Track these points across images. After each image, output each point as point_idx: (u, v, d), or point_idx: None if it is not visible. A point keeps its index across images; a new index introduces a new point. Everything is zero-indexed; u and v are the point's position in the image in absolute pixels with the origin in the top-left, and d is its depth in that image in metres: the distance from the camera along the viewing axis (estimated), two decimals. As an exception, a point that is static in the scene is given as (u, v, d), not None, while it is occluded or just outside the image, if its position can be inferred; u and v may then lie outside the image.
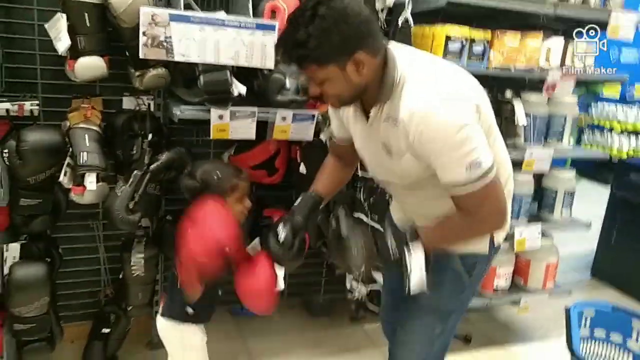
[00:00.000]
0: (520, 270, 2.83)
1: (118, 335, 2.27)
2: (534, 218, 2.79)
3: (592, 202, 3.36)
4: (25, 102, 1.79)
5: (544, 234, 2.70)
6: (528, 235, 2.60)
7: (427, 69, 1.35)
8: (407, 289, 1.39)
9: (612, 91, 6.09)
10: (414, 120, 1.26)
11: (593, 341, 2.37)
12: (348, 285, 2.48)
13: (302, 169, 2.25)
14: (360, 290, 2.44)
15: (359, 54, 1.26)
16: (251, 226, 2.26)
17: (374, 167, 1.56)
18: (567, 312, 2.34)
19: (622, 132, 6.38)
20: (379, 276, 2.37)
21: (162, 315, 1.82)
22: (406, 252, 1.40)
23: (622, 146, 6.25)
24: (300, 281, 2.72)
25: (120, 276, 2.16)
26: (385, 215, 1.82)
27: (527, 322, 3.05)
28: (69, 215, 2.15)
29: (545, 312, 3.02)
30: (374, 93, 1.34)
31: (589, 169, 6.36)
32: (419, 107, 1.25)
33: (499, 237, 1.58)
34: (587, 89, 2.70)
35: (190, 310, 1.77)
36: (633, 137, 6.36)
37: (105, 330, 2.24)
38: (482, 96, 1.37)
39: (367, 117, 1.41)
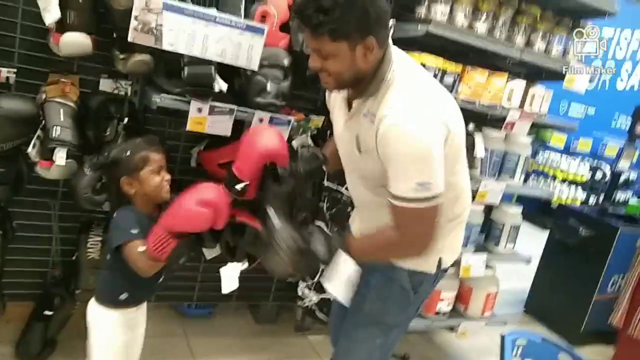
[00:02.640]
0: (462, 296, 2.96)
1: (61, 318, 2.22)
2: (480, 248, 2.94)
3: (530, 242, 3.56)
4: (3, 69, 1.76)
5: (487, 265, 2.85)
6: (474, 263, 2.73)
7: (417, 80, 1.40)
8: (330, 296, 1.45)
9: (558, 141, 6.49)
10: (386, 123, 1.30)
11: (523, 370, 2.50)
12: (300, 292, 2.52)
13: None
14: (311, 298, 2.48)
15: (371, 39, 1.28)
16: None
17: (344, 160, 1.59)
18: (502, 339, 2.47)
19: (563, 180, 6.81)
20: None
21: (97, 300, 1.70)
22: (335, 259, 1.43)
23: (562, 194, 6.66)
24: (250, 284, 2.73)
25: (74, 258, 2.12)
26: (345, 225, 1.87)
27: (464, 347, 3.17)
28: (27, 190, 2.10)
29: (481, 339, 3.17)
30: (364, 85, 1.37)
31: (529, 212, 6.71)
32: (396, 113, 1.30)
33: (447, 260, 1.62)
34: (537, 135, 2.90)
35: (124, 296, 1.66)
36: (573, 187, 6.80)
37: (48, 313, 2.18)
38: (458, 124, 1.43)
39: (349, 108, 1.45)
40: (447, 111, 1.39)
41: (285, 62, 2.08)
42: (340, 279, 1.44)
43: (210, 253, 2.51)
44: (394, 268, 1.56)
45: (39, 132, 1.83)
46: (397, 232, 1.37)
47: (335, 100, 1.55)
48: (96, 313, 1.67)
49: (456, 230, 1.62)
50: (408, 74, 1.39)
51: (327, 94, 1.64)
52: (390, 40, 1.39)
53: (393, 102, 1.32)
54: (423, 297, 1.68)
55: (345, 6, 1.22)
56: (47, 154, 1.83)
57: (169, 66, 2.00)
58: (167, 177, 1.64)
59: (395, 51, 1.41)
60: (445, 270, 1.65)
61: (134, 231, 1.53)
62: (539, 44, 2.64)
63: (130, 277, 1.59)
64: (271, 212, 1.53)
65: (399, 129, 1.28)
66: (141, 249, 1.48)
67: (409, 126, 1.28)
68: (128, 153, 1.59)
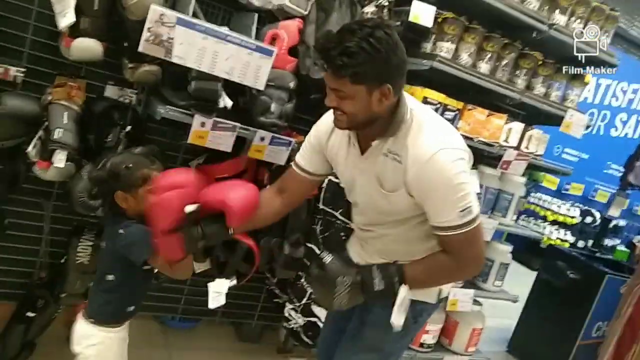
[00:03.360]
0: (447, 330, 2.96)
1: (42, 321, 2.18)
2: (468, 283, 2.95)
3: (516, 281, 3.56)
4: (12, 67, 1.77)
5: (474, 301, 2.85)
6: (461, 297, 2.74)
7: (435, 117, 1.48)
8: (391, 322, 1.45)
9: (551, 183, 6.58)
10: (420, 161, 1.36)
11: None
12: (286, 314, 2.51)
13: (267, 191, 2.30)
14: (297, 320, 2.47)
15: (388, 87, 1.32)
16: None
17: (359, 199, 1.60)
18: (485, 376, 2.48)
19: (553, 222, 6.86)
20: (318, 310, 2.42)
21: (88, 317, 1.66)
22: (396, 288, 1.45)
23: (551, 235, 6.71)
24: (236, 302, 2.72)
25: (62, 261, 2.10)
26: (337, 249, 1.87)
27: (444, 382, 3.15)
28: (21, 189, 2.09)
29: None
30: (380, 127, 1.42)
31: (517, 250, 6.74)
32: (428, 150, 1.36)
33: (445, 290, 1.65)
34: (530, 176, 2.96)
35: (131, 308, 1.70)
36: (562, 229, 6.85)
37: (30, 314, 2.15)
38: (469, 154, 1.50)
39: (361, 150, 1.49)
40: (462, 142, 1.46)
41: (291, 84, 2.11)
42: (397, 306, 1.45)
43: (199, 267, 2.50)
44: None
45: (40, 132, 1.84)
46: (451, 257, 1.44)
47: (336, 142, 1.58)
48: (97, 335, 1.66)
49: None
50: (425, 113, 1.46)
51: (315, 132, 1.66)
52: None
53: (421, 140, 1.38)
54: (420, 327, 1.72)
55: (369, 52, 1.26)
56: (46, 155, 1.83)
57: (175, 79, 2.02)
58: None
59: (406, 94, 1.47)
60: (442, 301, 1.69)
61: (151, 246, 1.54)
62: (539, 88, 2.70)
63: (138, 288, 1.64)
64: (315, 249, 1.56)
65: (436, 165, 1.35)
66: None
67: (445, 160, 1.35)
68: (129, 168, 1.57)
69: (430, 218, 1.41)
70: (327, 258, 1.46)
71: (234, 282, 1.79)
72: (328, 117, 1.57)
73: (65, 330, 2.39)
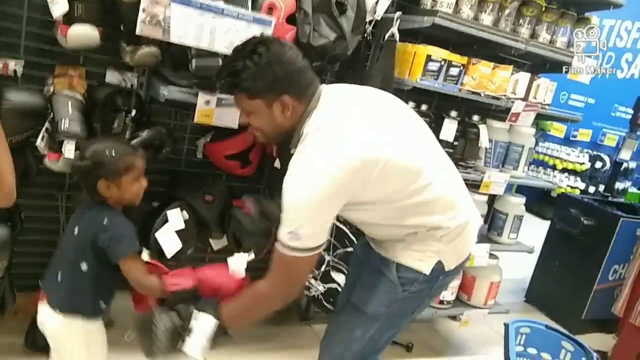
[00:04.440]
0: (465, 285, 3.00)
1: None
2: (483, 238, 2.96)
3: (530, 232, 3.58)
4: (11, 61, 1.75)
5: (490, 254, 2.87)
6: (477, 253, 2.76)
7: (325, 135, 1.39)
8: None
9: (558, 131, 6.52)
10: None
11: (526, 358, 2.54)
12: (306, 282, 2.55)
13: (277, 164, 2.30)
14: (317, 288, 2.50)
15: (285, 97, 1.40)
16: (221, 214, 2.29)
17: None
18: (506, 327, 2.51)
19: (563, 170, 6.83)
20: (337, 276, 2.45)
21: (63, 310, 1.59)
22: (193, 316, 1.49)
23: (561, 183, 6.69)
24: (255, 274, 2.75)
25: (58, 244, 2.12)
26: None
27: (465, 336, 3.21)
28: (34, 182, 2.10)
29: (483, 328, 3.21)
30: (292, 139, 1.48)
31: (529, 202, 6.78)
32: (289, 170, 1.38)
33: (450, 264, 1.58)
34: (537, 125, 2.92)
35: (103, 304, 1.64)
36: (572, 176, 6.83)
37: (57, 304, 2.19)
38: (404, 154, 1.43)
39: None
40: (378, 143, 1.39)
41: (292, 53, 2.08)
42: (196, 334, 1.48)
43: (217, 244, 2.53)
44: (386, 260, 1.59)
45: (47, 124, 1.84)
46: (266, 281, 1.45)
47: None
48: (73, 327, 1.60)
49: (460, 237, 1.57)
50: (323, 122, 1.41)
51: None
52: (319, 91, 1.47)
53: (293, 158, 1.40)
54: (418, 299, 1.63)
55: (253, 69, 1.37)
56: (55, 147, 1.83)
57: (176, 58, 2.00)
58: (145, 184, 1.65)
59: (326, 94, 1.47)
60: (450, 274, 1.62)
61: (137, 242, 1.57)
62: (544, 36, 2.65)
63: (111, 283, 1.62)
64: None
65: (289, 181, 1.36)
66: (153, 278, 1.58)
67: (296, 181, 1.36)
68: (112, 156, 1.55)
69: None
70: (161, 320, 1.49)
71: (252, 256, 1.81)
72: None
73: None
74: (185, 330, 1.47)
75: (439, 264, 1.56)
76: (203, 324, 1.47)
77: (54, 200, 2.25)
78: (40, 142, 1.82)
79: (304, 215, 1.35)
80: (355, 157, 1.35)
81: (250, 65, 1.37)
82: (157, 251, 2.12)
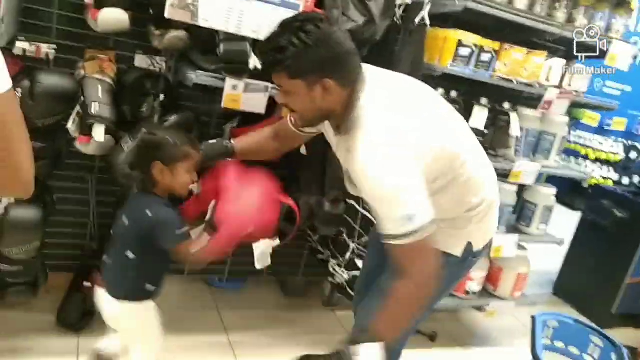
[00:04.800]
0: (492, 276, 2.95)
1: (98, 290, 2.28)
2: (512, 228, 2.91)
3: (559, 223, 3.50)
4: (43, 45, 1.78)
5: (519, 245, 2.82)
6: (505, 244, 2.71)
7: (385, 113, 1.37)
8: None
9: (591, 119, 6.33)
10: (357, 169, 1.34)
11: (553, 352, 2.50)
12: (330, 269, 2.55)
13: (303, 149, 2.29)
14: (342, 275, 2.50)
15: (328, 80, 1.32)
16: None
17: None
18: (533, 319, 2.46)
19: (595, 160, 6.65)
20: (362, 264, 2.44)
21: (120, 298, 1.64)
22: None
23: (593, 173, 6.51)
24: (279, 260, 2.77)
25: (111, 232, 2.16)
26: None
27: (491, 327, 3.17)
28: (65, 164, 2.14)
29: (509, 320, 3.16)
30: (338, 121, 1.42)
31: (559, 192, 6.63)
32: (362, 159, 1.31)
33: (478, 244, 1.59)
34: (570, 114, 2.84)
35: (150, 287, 1.67)
36: (605, 167, 6.64)
37: (87, 284, 2.25)
38: (443, 137, 1.41)
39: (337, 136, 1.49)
40: (424, 131, 1.37)
41: (320, 38, 2.05)
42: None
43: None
44: None
45: (77, 108, 1.86)
46: (402, 277, 1.34)
47: (328, 133, 1.59)
48: (131, 309, 1.66)
49: (487, 217, 1.58)
50: (377, 107, 1.37)
51: None
52: (363, 76, 1.40)
53: (359, 144, 1.33)
54: (448, 282, 1.64)
55: (299, 47, 1.28)
56: (86, 130, 1.86)
57: (203, 42, 2.00)
58: (195, 178, 1.64)
59: (372, 77, 1.42)
60: (477, 255, 1.62)
61: (184, 229, 1.58)
62: (581, 20, 2.55)
63: (158, 268, 1.65)
64: None
65: (368, 174, 1.31)
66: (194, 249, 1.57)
67: (376, 169, 1.29)
68: (174, 141, 1.57)
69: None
70: None
71: (278, 242, 1.81)
72: None
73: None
74: None
75: (469, 245, 1.56)
76: (369, 356, 1.31)
77: (84, 182, 2.29)
78: (71, 125, 1.85)
79: (403, 198, 1.28)
80: (413, 150, 1.33)
81: (296, 43, 1.28)
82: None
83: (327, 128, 1.57)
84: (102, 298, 1.67)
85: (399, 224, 1.29)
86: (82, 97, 1.84)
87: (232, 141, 1.72)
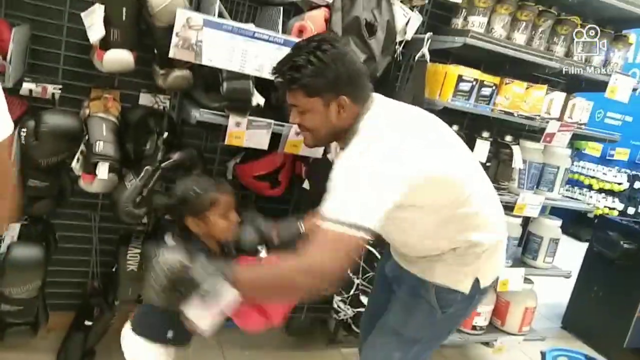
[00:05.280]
0: (499, 311, 2.90)
1: (100, 328, 2.25)
2: (517, 261, 2.88)
3: (565, 254, 3.46)
4: (49, 85, 1.80)
5: (525, 279, 2.78)
6: (511, 277, 2.68)
7: (379, 125, 1.38)
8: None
9: (594, 150, 6.35)
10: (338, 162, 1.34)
11: (563, 388, 2.44)
12: (335, 305, 2.51)
13: (306, 185, 2.29)
14: (346, 312, 2.46)
15: (343, 98, 1.36)
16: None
17: None
18: (543, 355, 2.42)
19: (599, 190, 6.63)
20: (366, 300, 2.41)
21: (135, 331, 1.64)
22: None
23: (598, 203, 6.48)
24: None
25: (114, 269, 2.15)
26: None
27: (500, 363, 3.10)
28: (68, 202, 2.14)
29: (517, 355, 3.09)
30: (344, 139, 1.43)
31: (564, 223, 6.58)
32: (345, 152, 1.35)
33: (486, 280, 1.57)
34: (572, 145, 2.85)
35: (170, 334, 1.63)
36: (609, 197, 6.61)
37: (88, 323, 2.22)
38: (446, 166, 1.39)
39: None
40: (425, 154, 1.35)
41: (322, 75, 2.08)
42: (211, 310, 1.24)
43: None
44: (423, 282, 1.55)
45: (82, 146, 1.87)
46: (300, 256, 1.23)
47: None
48: (138, 345, 1.64)
49: (496, 253, 1.58)
50: (378, 122, 1.39)
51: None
52: (372, 96, 1.44)
53: (350, 146, 1.36)
54: (455, 319, 1.64)
55: (317, 64, 1.33)
56: (89, 168, 1.87)
57: (207, 81, 2.03)
58: (235, 218, 1.60)
59: (381, 101, 1.46)
60: (484, 292, 1.60)
61: None
62: (579, 54, 2.59)
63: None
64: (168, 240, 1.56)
65: (345, 156, 1.32)
66: None
67: (352, 156, 1.31)
68: (197, 193, 1.56)
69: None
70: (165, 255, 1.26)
71: None
72: None
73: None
74: (195, 286, 1.22)
75: (476, 282, 1.54)
76: (223, 291, 1.22)
77: (87, 220, 2.28)
78: (75, 164, 1.86)
79: (359, 186, 1.24)
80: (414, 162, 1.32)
81: (313, 61, 1.33)
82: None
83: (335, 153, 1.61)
84: (127, 336, 1.67)
85: (339, 209, 1.22)
86: (86, 136, 1.86)
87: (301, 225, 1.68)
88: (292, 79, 1.35)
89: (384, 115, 1.43)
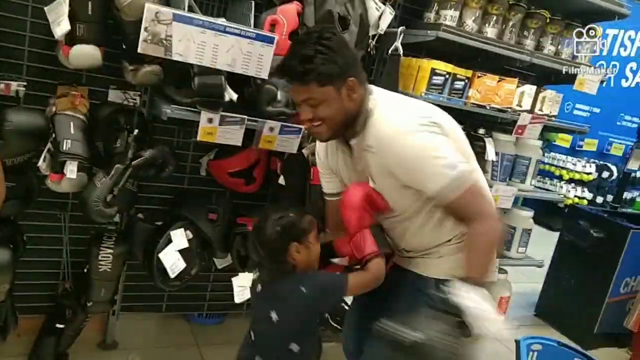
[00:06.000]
0: (474, 301, 2.94)
1: (72, 331, 2.20)
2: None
3: (537, 244, 3.53)
4: (12, 82, 1.74)
5: (499, 269, 2.83)
6: (486, 267, 2.71)
7: (396, 99, 1.51)
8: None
9: (564, 141, 6.48)
10: (383, 145, 1.39)
11: (538, 375, 2.48)
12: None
13: (281, 180, 2.27)
14: (323, 306, 2.46)
15: (352, 80, 1.40)
16: (225, 232, 2.26)
17: None
18: (517, 343, 2.45)
19: (569, 180, 6.78)
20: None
21: None
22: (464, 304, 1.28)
23: (568, 193, 6.63)
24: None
25: (85, 270, 2.10)
26: None
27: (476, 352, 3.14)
28: (37, 202, 2.08)
29: (494, 344, 3.14)
30: (356, 124, 1.45)
31: (536, 213, 6.72)
32: (387, 129, 1.39)
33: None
34: (543, 136, 2.91)
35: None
36: (579, 187, 6.77)
37: (60, 326, 2.17)
38: (453, 124, 1.49)
39: (350, 153, 1.52)
40: (436, 114, 1.45)
41: (296, 70, 2.06)
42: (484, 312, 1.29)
43: (221, 262, 2.50)
44: (421, 277, 1.54)
45: (49, 145, 1.82)
46: (475, 220, 1.37)
47: (331, 153, 1.63)
48: None
49: None
50: (387, 97, 1.49)
51: (317, 156, 1.71)
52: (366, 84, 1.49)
53: (380, 124, 1.41)
54: None
55: (324, 52, 1.36)
56: (57, 167, 1.82)
57: (178, 76, 1.98)
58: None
59: (373, 87, 1.52)
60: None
61: (339, 277, 1.52)
62: (549, 47, 2.63)
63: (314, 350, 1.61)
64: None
65: (397, 139, 1.36)
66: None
67: (402, 131, 1.37)
68: (295, 215, 1.50)
69: (425, 191, 1.39)
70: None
71: (257, 275, 1.77)
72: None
73: (96, 336, 2.43)
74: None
75: None
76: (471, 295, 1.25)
77: (57, 220, 2.22)
78: (42, 163, 1.81)
79: (441, 149, 1.35)
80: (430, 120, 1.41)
81: (322, 50, 1.36)
82: (161, 270, 2.09)
83: (335, 155, 1.61)
84: None
85: (446, 174, 1.33)
86: (53, 135, 1.81)
87: None
88: (305, 71, 1.36)
89: (391, 97, 1.50)
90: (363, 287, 1.51)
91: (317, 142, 1.71)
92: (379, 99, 1.47)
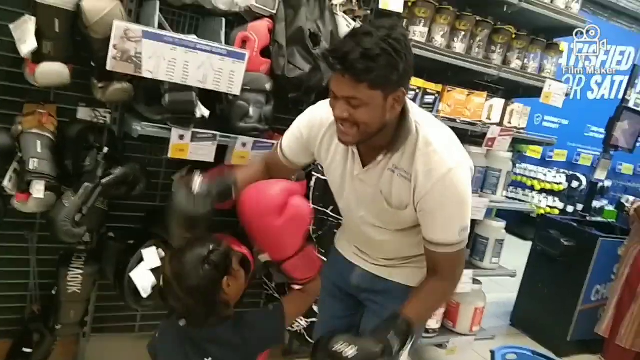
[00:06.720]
0: (450, 313, 2.96)
1: (40, 355, 2.12)
2: (465, 263, 2.94)
3: (511, 254, 3.58)
4: (-23, 101, 1.70)
5: (474, 280, 2.85)
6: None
7: (441, 131, 1.38)
8: None
9: (535, 152, 6.63)
10: (433, 179, 1.30)
11: (513, 384, 2.50)
12: (288, 317, 2.48)
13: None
14: (300, 323, 2.44)
15: (402, 90, 1.25)
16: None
17: (354, 209, 1.53)
18: (492, 354, 2.48)
19: (541, 190, 6.92)
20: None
21: None
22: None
23: (540, 203, 6.77)
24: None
25: (53, 292, 2.04)
26: (329, 249, 1.85)
27: (452, 364, 3.16)
28: (2, 223, 2.02)
29: (470, 355, 3.16)
30: (384, 140, 1.34)
31: (509, 223, 6.82)
32: (442, 167, 1.30)
33: None
34: (514, 148, 2.98)
35: None
36: (550, 197, 6.92)
37: (27, 350, 2.10)
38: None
39: (362, 161, 1.42)
40: (466, 154, 1.40)
41: (267, 86, 2.07)
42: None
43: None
44: (407, 287, 1.55)
45: (14, 164, 1.78)
46: (443, 279, 1.40)
47: (332, 144, 1.49)
48: None
49: None
50: (429, 124, 1.37)
51: (307, 124, 1.55)
52: None
53: (433, 157, 1.31)
54: None
55: (390, 54, 1.18)
56: (23, 187, 1.77)
57: (148, 93, 1.97)
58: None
59: (410, 102, 1.42)
60: None
61: (274, 308, 1.56)
62: (516, 62, 2.69)
63: None
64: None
65: (449, 182, 1.30)
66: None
67: (457, 177, 1.31)
68: (218, 246, 1.38)
69: (427, 233, 1.37)
70: (349, 352, 1.23)
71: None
72: (324, 112, 1.46)
73: (66, 360, 2.36)
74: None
75: None
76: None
77: (24, 241, 2.16)
78: (7, 183, 1.76)
79: (469, 207, 1.35)
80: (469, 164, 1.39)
81: (389, 51, 1.17)
82: (132, 290, 2.05)
83: (333, 152, 1.50)
84: None
85: (455, 234, 1.34)
86: (19, 154, 1.77)
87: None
88: (366, 69, 1.17)
89: (425, 116, 1.40)
90: (300, 313, 1.52)
91: (310, 116, 1.56)
92: (418, 117, 1.35)
